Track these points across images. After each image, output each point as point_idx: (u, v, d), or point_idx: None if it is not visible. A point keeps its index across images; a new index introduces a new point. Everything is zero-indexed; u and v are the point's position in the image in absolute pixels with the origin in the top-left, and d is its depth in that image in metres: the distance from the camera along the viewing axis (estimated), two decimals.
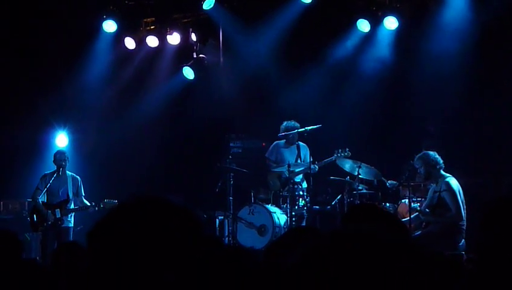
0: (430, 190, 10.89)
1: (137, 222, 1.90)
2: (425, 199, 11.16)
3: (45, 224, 11.95)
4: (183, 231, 1.91)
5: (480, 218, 3.23)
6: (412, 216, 10.74)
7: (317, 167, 12.51)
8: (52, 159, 12.43)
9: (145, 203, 1.98)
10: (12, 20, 14.44)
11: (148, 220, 1.91)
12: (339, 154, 12.42)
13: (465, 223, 10.44)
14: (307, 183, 12.80)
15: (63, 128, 15.15)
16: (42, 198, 12.14)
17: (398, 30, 13.17)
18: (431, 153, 10.66)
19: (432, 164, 10.58)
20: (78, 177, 12.50)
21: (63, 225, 12.06)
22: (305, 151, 13.05)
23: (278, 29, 13.82)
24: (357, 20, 13.23)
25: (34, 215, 12.12)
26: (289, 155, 13.06)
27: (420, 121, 13.69)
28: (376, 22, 13.21)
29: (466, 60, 12.70)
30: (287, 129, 12.84)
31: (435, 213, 10.62)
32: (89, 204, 12.28)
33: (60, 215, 12.03)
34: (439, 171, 10.60)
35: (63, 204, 12.13)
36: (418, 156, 10.84)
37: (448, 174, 10.61)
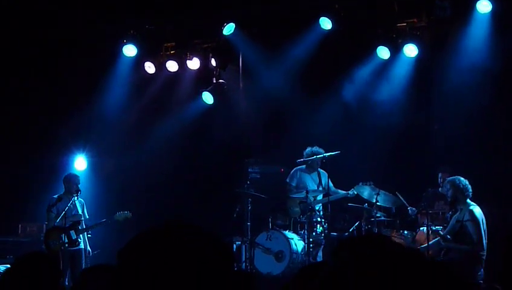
0: (452, 218, 10.78)
1: (170, 245, 1.89)
2: (444, 227, 11.08)
3: (62, 247, 11.94)
4: (216, 258, 1.90)
5: (503, 249, 3.19)
6: (430, 242, 10.65)
7: (355, 191, 12.47)
8: (68, 182, 12.41)
9: (176, 227, 1.97)
10: (33, 44, 14.55)
11: (179, 244, 1.90)
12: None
13: (485, 253, 10.33)
14: (323, 209, 12.78)
15: (82, 151, 15.19)
16: (59, 222, 12.10)
17: (418, 58, 13.15)
18: (462, 179, 10.53)
19: (460, 190, 10.45)
20: (82, 200, 12.55)
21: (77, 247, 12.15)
22: (325, 178, 13.01)
23: (297, 55, 13.85)
24: (377, 47, 13.24)
25: (50, 240, 12.09)
26: (311, 182, 13.03)
27: (439, 149, 13.60)
28: (396, 49, 13.20)
29: (486, 88, 12.65)
30: (313, 154, 12.79)
31: (456, 240, 10.52)
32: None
33: (75, 237, 12.10)
34: (466, 199, 10.48)
35: (76, 225, 12.19)
36: (448, 179, 10.75)
37: (472, 203, 10.50)
